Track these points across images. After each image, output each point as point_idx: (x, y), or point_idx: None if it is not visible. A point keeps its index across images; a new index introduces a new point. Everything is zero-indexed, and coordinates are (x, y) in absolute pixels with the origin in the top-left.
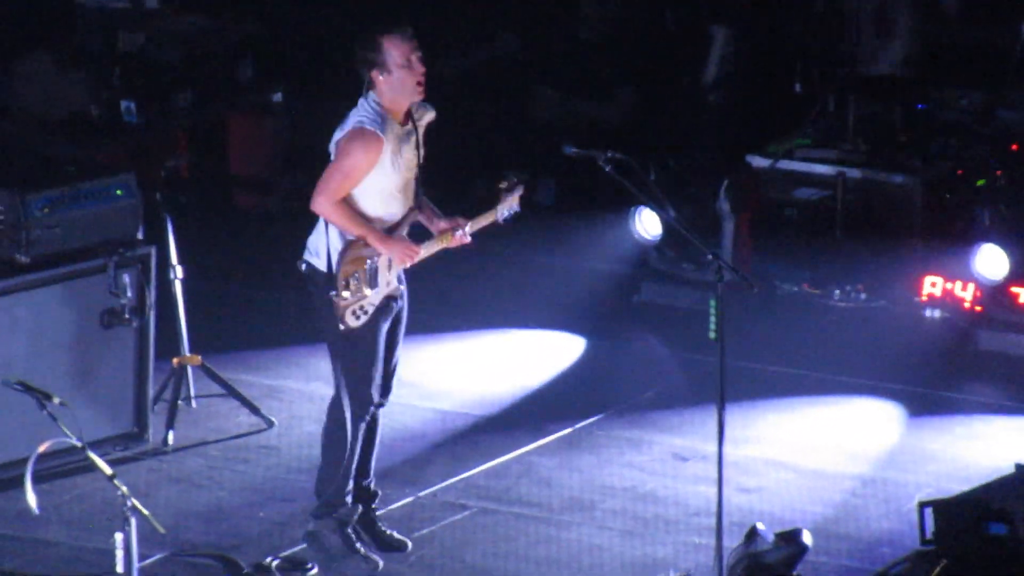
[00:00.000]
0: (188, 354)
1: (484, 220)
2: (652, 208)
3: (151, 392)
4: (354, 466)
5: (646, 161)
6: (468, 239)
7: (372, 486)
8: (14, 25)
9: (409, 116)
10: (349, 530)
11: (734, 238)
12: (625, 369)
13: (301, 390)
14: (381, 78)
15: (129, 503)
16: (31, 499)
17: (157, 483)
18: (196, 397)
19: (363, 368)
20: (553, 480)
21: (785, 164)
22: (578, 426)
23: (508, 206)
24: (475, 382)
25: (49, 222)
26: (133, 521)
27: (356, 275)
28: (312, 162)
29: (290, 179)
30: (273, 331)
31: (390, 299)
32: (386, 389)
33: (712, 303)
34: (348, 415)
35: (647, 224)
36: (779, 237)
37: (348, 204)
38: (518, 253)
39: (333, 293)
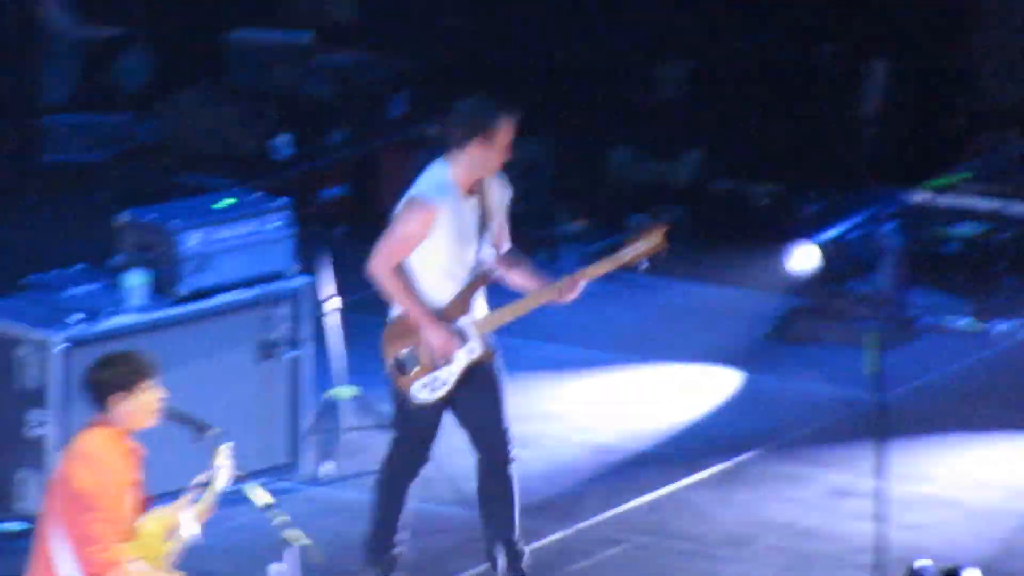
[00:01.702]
0: (344, 386)
1: (601, 269)
2: (809, 242)
3: (304, 424)
4: (400, 521)
5: (804, 195)
6: (574, 294)
7: (518, 546)
8: (170, 61)
9: (479, 188)
10: None
11: (893, 272)
12: (781, 404)
13: (454, 422)
14: (478, 150)
15: (287, 533)
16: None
17: (311, 514)
18: (351, 429)
19: (413, 436)
20: (709, 515)
21: (947, 199)
22: (735, 460)
23: (642, 251)
24: (630, 416)
25: (204, 256)
26: (291, 551)
27: (414, 352)
28: None
29: None
30: None
31: (478, 365)
32: (500, 455)
33: (868, 338)
34: (395, 475)
35: (803, 258)
36: (940, 271)
37: (403, 274)
38: (671, 285)
39: (389, 364)
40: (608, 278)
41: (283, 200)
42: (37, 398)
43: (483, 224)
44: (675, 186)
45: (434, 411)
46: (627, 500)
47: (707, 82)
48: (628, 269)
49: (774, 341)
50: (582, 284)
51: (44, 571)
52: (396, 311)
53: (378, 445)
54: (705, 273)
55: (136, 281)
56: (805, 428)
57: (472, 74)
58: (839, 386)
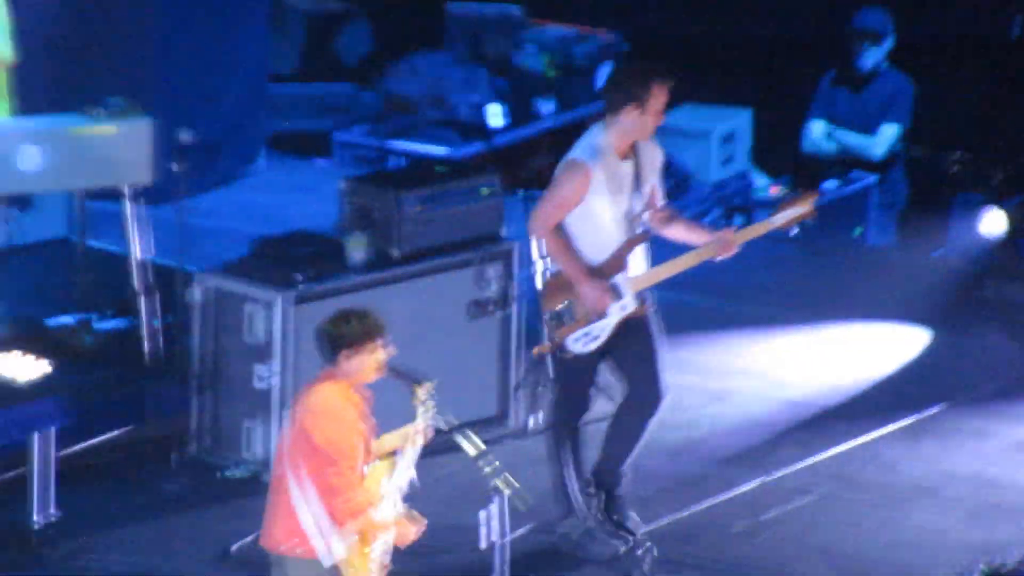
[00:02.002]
0: (548, 343)
1: (756, 231)
2: (996, 209)
3: (514, 378)
4: (569, 466)
5: (995, 162)
6: (732, 252)
7: (620, 478)
8: (390, 33)
9: (632, 151)
10: (591, 522)
11: None
12: (968, 361)
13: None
14: (632, 115)
15: (495, 482)
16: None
17: (518, 464)
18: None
19: (573, 388)
20: (896, 466)
21: None
22: (922, 415)
23: (793, 216)
24: (821, 372)
25: (421, 219)
26: (498, 499)
27: (571, 307)
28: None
29: None
30: None
31: (629, 319)
32: (655, 398)
33: None
34: (563, 422)
35: (992, 223)
36: None
37: (561, 233)
38: (863, 247)
39: (546, 317)
40: (809, 241)
41: (494, 167)
42: (264, 352)
43: (638, 185)
44: (871, 156)
45: (589, 362)
46: (818, 451)
47: (904, 57)
48: (780, 232)
49: (963, 301)
50: (739, 244)
51: (285, 517)
52: (556, 268)
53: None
54: (900, 238)
55: (357, 243)
56: (991, 384)
57: (673, 46)
58: (1022, 342)
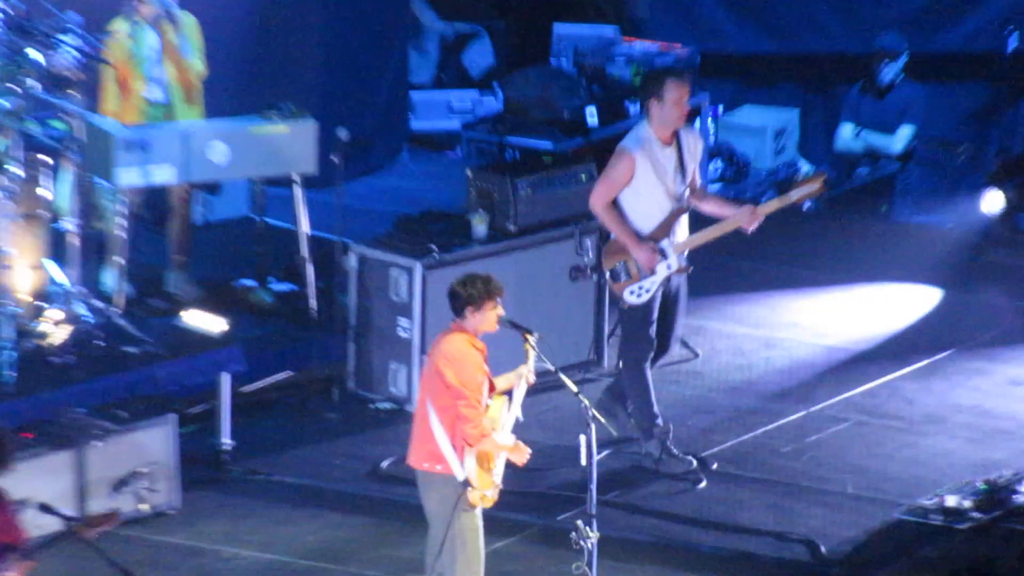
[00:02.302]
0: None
1: (773, 206)
2: (995, 190)
3: (606, 329)
4: (651, 402)
5: (994, 152)
6: (756, 225)
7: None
8: (508, 49)
9: (675, 140)
10: (668, 443)
11: None
12: (972, 314)
13: (720, 329)
14: (655, 107)
15: (591, 412)
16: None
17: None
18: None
19: (638, 332)
20: (913, 399)
21: None
22: (934, 358)
23: (805, 193)
24: (853, 324)
25: (531, 200)
26: (593, 426)
27: (625, 265)
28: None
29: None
30: (696, 282)
31: (669, 279)
32: (663, 349)
33: None
34: (630, 370)
35: (992, 201)
36: None
37: (615, 207)
38: (886, 218)
39: (608, 277)
40: (836, 215)
41: (590, 158)
42: (405, 309)
43: (680, 167)
44: (892, 152)
45: (645, 311)
46: (850, 388)
47: (922, 67)
48: (795, 206)
49: (968, 266)
50: (761, 217)
51: (426, 442)
52: (613, 235)
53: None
54: (916, 214)
55: (479, 219)
56: (989, 333)
57: (737, 59)
58: (1017, 299)
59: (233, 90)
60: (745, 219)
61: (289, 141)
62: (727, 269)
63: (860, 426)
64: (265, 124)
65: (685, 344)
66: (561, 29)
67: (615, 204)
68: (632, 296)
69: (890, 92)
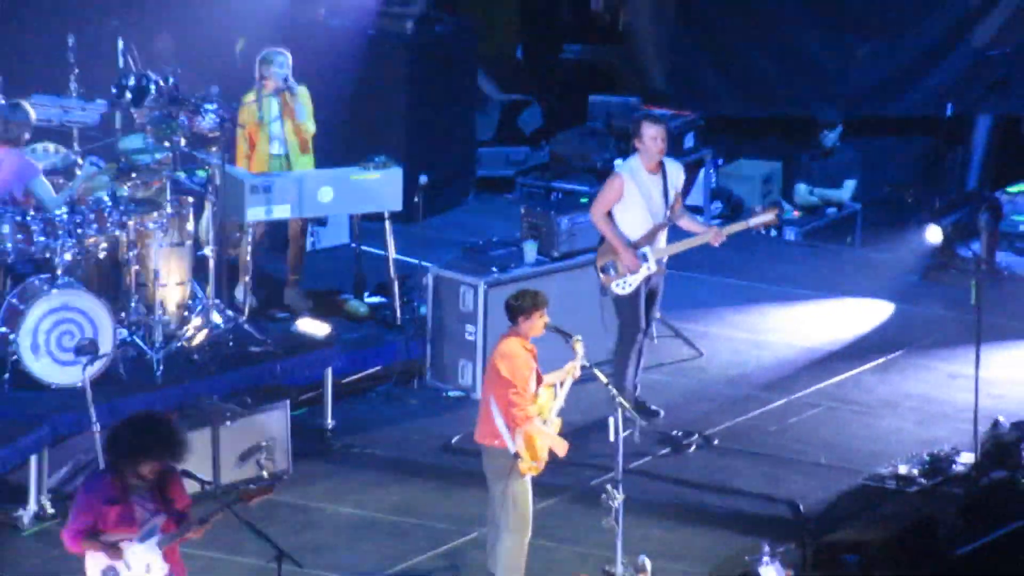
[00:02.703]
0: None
1: (735, 228)
2: (935, 225)
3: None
4: (630, 370)
5: (934, 194)
6: (721, 240)
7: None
8: (553, 114)
9: (661, 170)
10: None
11: (987, 242)
12: (918, 322)
13: (719, 334)
14: (638, 144)
15: (617, 399)
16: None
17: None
18: (658, 337)
19: (630, 317)
20: (873, 389)
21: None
22: (889, 357)
23: (761, 221)
24: (825, 329)
25: (571, 231)
26: (619, 410)
27: (614, 263)
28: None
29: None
30: (701, 296)
31: (649, 278)
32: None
33: (972, 283)
34: (623, 344)
35: (932, 234)
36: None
37: (608, 218)
38: (853, 250)
39: (600, 272)
40: (812, 245)
41: None
42: (470, 317)
43: (664, 192)
44: (841, 200)
45: (631, 301)
46: (823, 380)
47: (856, 133)
48: (753, 230)
49: (915, 284)
50: (724, 236)
51: (487, 421)
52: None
53: (669, 346)
54: (874, 244)
55: (530, 247)
56: (932, 336)
57: (734, 121)
58: (955, 311)
59: (337, 145)
60: (711, 236)
61: (381, 185)
62: (726, 287)
63: (831, 410)
64: (362, 171)
65: (691, 344)
66: (595, 99)
67: (609, 216)
68: (618, 288)
69: (831, 155)
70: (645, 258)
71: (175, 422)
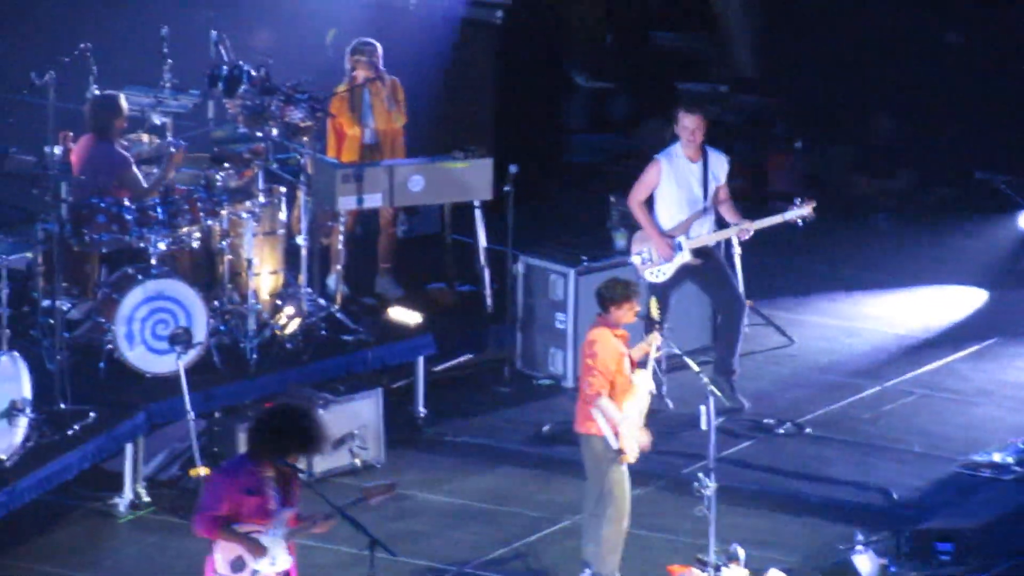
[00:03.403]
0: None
1: (770, 221)
2: None
3: (717, 320)
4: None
5: None
6: (749, 234)
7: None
8: (640, 103)
9: (702, 157)
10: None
11: None
12: (1013, 310)
13: (811, 321)
14: (678, 132)
15: (709, 387)
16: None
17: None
18: (750, 325)
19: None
20: (968, 377)
21: None
22: (983, 344)
23: (797, 214)
24: (918, 316)
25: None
26: (711, 398)
27: (649, 251)
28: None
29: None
30: (793, 284)
31: (687, 264)
32: (740, 305)
33: None
34: None
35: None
36: None
37: (644, 206)
38: (943, 240)
39: (634, 259)
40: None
41: None
42: (561, 305)
43: (704, 181)
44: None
45: (664, 289)
46: (916, 368)
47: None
48: (789, 225)
49: (1010, 270)
50: (752, 231)
51: (583, 410)
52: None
53: (763, 334)
54: (967, 231)
55: (620, 235)
56: None
57: (820, 108)
58: None
59: (427, 134)
60: (738, 230)
61: (471, 174)
62: (817, 274)
63: (925, 398)
64: (452, 161)
65: (782, 332)
66: (684, 86)
67: (644, 204)
68: (652, 276)
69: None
70: (680, 247)
71: (319, 416)
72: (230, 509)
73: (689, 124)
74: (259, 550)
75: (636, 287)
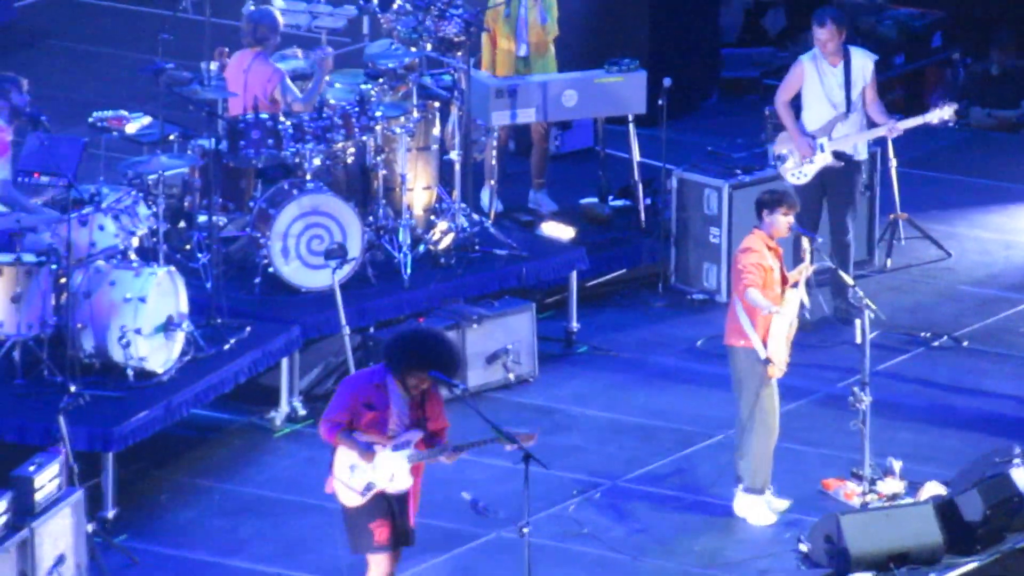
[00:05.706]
0: (900, 212)
1: (912, 122)
2: None
3: (877, 232)
4: None
5: None
6: (897, 132)
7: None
8: (797, 14)
9: (844, 59)
10: None
11: None
12: None
13: (967, 234)
14: (815, 43)
15: (864, 301)
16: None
17: (878, 292)
18: (905, 239)
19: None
20: None
21: None
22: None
23: (937, 115)
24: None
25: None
26: (866, 312)
27: (791, 152)
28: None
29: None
30: (947, 197)
31: (829, 167)
32: (842, 230)
33: None
34: None
35: None
36: None
37: (788, 106)
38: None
39: (776, 160)
40: None
41: None
42: (715, 220)
43: (847, 84)
44: None
45: (806, 193)
46: None
47: None
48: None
49: None
50: (900, 130)
51: (733, 322)
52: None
53: (920, 247)
54: None
55: (774, 150)
56: None
57: (980, 20)
58: None
59: (580, 48)
60: (886, 130)
61: (624, 88)
62: (973, 187)
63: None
64: (606, 75)
65: (939, 245)
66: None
67: (789, 104)
68: (793, 178)
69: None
70: (821, 148)
71: (455, 343)
72: (350, 418)
73: (821, 36)
74: (368, 456)
75: (792, 197)
